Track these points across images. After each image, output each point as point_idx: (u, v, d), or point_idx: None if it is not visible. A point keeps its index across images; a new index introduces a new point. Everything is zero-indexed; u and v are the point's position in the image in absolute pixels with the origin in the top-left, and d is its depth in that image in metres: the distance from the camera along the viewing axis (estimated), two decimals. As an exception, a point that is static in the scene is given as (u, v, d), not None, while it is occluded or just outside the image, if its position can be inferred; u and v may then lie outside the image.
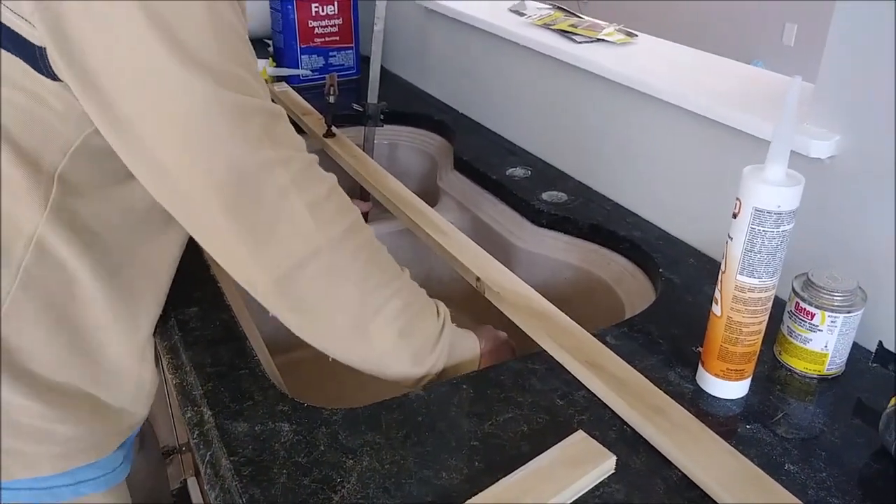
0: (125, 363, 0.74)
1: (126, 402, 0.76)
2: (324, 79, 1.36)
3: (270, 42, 1.76)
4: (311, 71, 1.70)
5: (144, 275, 0.74)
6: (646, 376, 0.73)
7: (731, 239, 0.67)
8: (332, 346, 0.71)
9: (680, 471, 0.63)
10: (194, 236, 0.65)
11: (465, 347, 0.79)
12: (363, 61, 1.70)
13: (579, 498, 0.60)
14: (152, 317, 0.78)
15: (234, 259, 0.63)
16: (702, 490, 0.61)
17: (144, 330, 0.76)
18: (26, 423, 0.67)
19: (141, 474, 1.04)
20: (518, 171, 1.24)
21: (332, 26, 1.69)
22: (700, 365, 0.74)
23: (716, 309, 0.71)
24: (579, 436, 0.65)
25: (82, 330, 0.70)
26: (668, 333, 0.82)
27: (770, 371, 0.77)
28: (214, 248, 0.64)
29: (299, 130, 1.43)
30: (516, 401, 0.71)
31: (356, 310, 0.68)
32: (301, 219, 0.62)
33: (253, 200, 0.59)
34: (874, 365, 0.74)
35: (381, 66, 1.37)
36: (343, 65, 1.74)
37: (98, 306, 0.70)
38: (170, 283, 0.79)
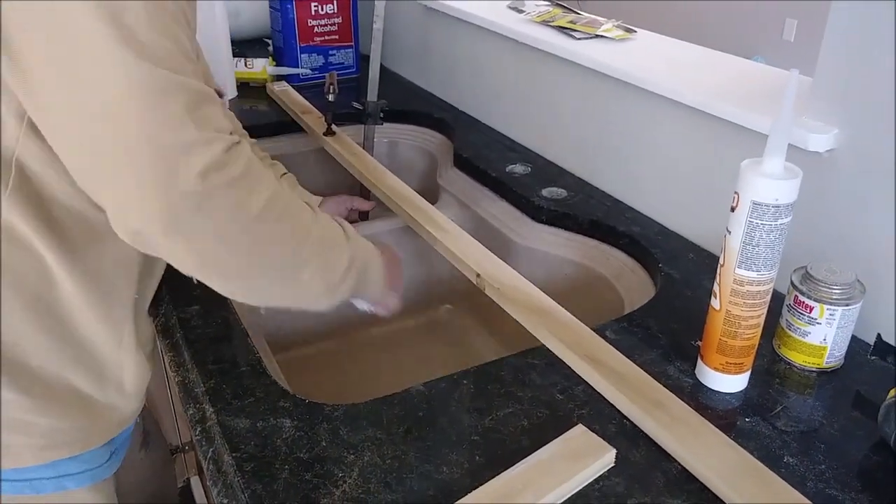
0: (103, 349, 0.73)
1: (111, 395, 0.76)
2: (323, 77, 1.36)
3: (270, 41, 1.76)
4: (311, 70, 1.70)
5: (113, 258, 0.72)
6: (645, 370, 0.73)
7: (730, 232, 0.68)
8: (265, 299, 0.71)
9: (679, 464, 0.63)
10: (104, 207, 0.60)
11: (369, 255, 0.78)
12: (363, 60, 1.71)
13: (580, 491, 0.61)
14: (125, 300, 0.76)
15: (156, 233, 0.58)
16: (701, 483, 0.61)
17: (117, 312, 0.74)
18: (7, 415, 0.67)
19: (144, 474, 1.04)
20: (518, 168, 1.24)
21: (331, 25, 1.70)
22: (699, 359, 0.74)
23: (714, 303, 0.71)
24: (579, 430, 0.65)
25: (59, 317, 0.69)
26: (668, 328, 0.82)
27: (769, 364, 0.77)
28: (138, 223, 0.58)
29: (299, 129, 1.45)
30: (516, 395, 0.71)
31: (280, 272, 0.66)
32: (223, 198, 0.58)
33: (175, 183, 0.56)
34: (873, 358, 0.74)
35: (381, 65, 1.37)
36: (343, 63, 1.75)
37: (69, 290, 0.69)
38: (146, 265, 0.77)
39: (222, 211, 0.58)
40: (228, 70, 1.57)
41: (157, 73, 0.54)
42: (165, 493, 1.12)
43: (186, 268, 0.61)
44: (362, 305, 0.84)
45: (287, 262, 0.66)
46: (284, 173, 1.11)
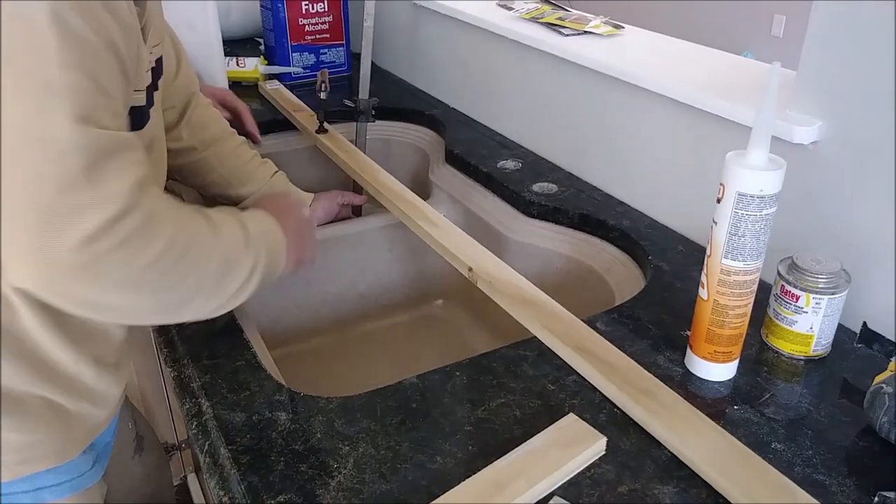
0: (66, 368, 0.72)
1: (83, 405, 0.74)
2: (315, 76, 1.37)
3: (261, 40, 1.77)
4: (303, 68, 1.71)
5: None
6: (635, 361, 0.74)
7: (716, 223, 0.69)
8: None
9: (669, 451, 0.64)
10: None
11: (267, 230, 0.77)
12: (354, 58, 1.71)
13: (571, 479, 0.62)
14: (80, 322, 0.72)
15: (40, 294, 0.57)
16: (690, 469, 0.63)
17: (74, 333, 0.72)
18: None
19: (138, 479, 1.03)
20: (509, 164, 1.25)
21: (322, 24, 1.70)
22: (688, 348, 0.75)
23: (702, 293, 0.72)
24: (571, 418, 0.66)
25: (19, 339, 0.68)
26: (658, 319, 0.83)
27: (757, 353, 0.78)
28: (20, 282, 0.56)
29: (291, 128, 1.46)
30: (508, 386, 0.72)
31: (181, 305, 0.65)
32: (104, 262, 0.56)
33: (57, 247, 0.53)
34: (859, 345, 0.75)
35: (372, 63, 1.38)
36: (334, 62, 1.75)
37: (27, 315, 0.67)
38: None
39: (105, 274, 0.56)
40: (220, 69, 1.58)
41: (61, 127, 0.52)
42: (161, 496, 1.12)
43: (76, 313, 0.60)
44: None
45: (186, 297, 0.65)
46: (276, 171, 1.12)
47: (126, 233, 0.55)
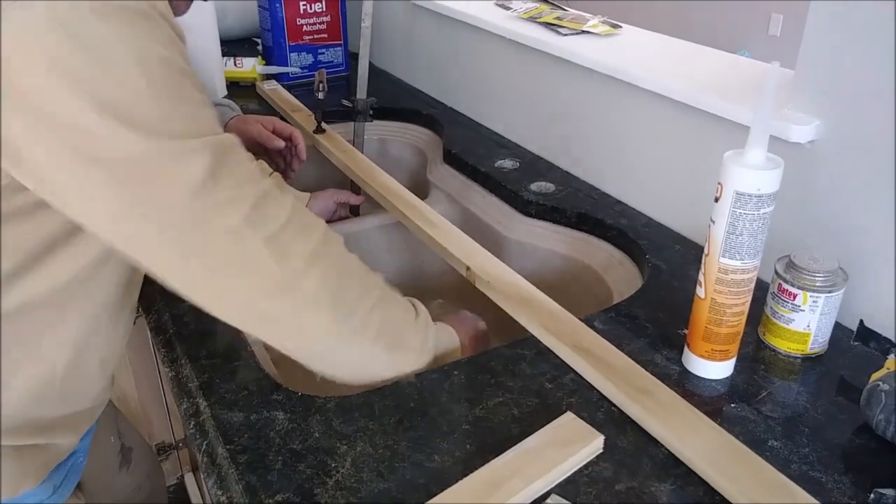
0: (22, 407, 0.68)
1: (39, 438, 0.71)
2: (313, 76, 1.37)
3: (259, 40, 1.77)
4: (301, 68, 1.71)
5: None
6: (633, 359, 0.74)
7: (714, 222, 0.69)
8: (319, 366, 0.67)
9: (666, 448, 0.65)
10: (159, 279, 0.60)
11: (445, 343, 0.78)
12: (352, 58, 1.71)
13: (569, 477, 0.62)
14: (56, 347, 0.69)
15: (201, 299, 0.60)
16: (687, 466, 0.63)
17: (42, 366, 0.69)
18: None
19: (125, 492, 1.02)
20: (506, 163, 1.25)
21: (320, 24, 1.70)
22: (686, 347, 0.75)
23: (700, 291, 0.72)
24: (568, 417, 0.66)
25: None
26: (655, 317, 0.83)
27: (754, 351, 0.79)
28: (183, 290, 0.59)
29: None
30: (506, 385, 0.73)
31: (334, 336, 0.64)
32: (259, 259, 0.57)
33: (207, 248, 0.56)
34: (856, 343, 0.75)
35: (370, 63, 1.38)
36: (332, 62, 1.75)
37: None
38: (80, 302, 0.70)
39: (257, 271, 0.58)
40: (218, 70, 1.58)
41: (168, 147, 0.53)
42: (154, 500, 1.10)
43: (225, 319, 0.61)
44: None
45: (338, 330, 0.64)
46: (271, 172, 1.12)
47: (269, 229, 0.57)
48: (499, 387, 0.72)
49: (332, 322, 0.63)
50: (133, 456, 1.03)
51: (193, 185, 0.53)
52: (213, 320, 0.79)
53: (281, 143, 1.16)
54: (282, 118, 1.47)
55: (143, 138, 0.51)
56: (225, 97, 1.60)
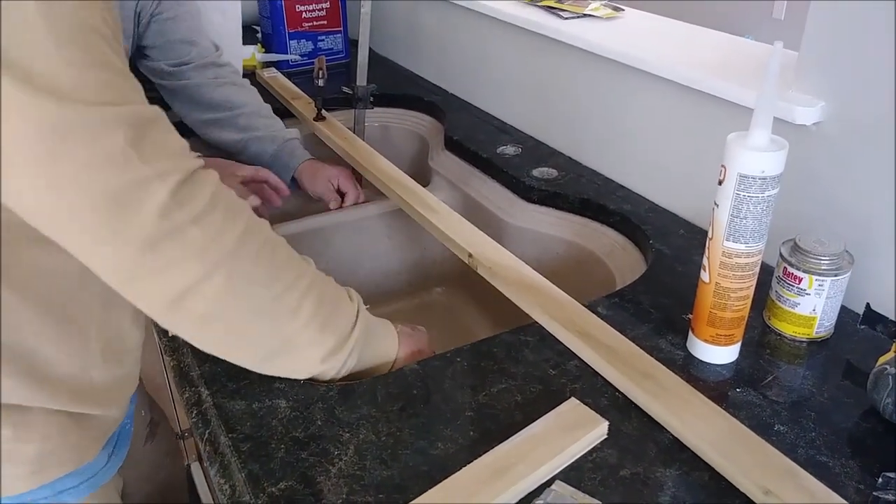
0: (70, 374, 0.69)
1: (97, 407, 0.72)
2: (313, 63, 1.36)
3: (259, 28, 1.76)
4: (300, 56, 1.70)
5: (56, 281, 0.66)
6: (637, 345, 0.74)
7: (717, 206, 0.68)
8: (246, 357, 0.66)
9: (671, 433, 0.64)
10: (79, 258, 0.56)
11: (381, 345, 0.75)
12: (352, 45, 1.70)
13: (573, 463, 0.61)
14: (83, 324, 0.69)
15: (123, 281, 0.56)
16: (692, 451, 0.62)
17: (76, 340, 0.69)
18: None
19: (150, 466, 1.03)
20: (508, 149, 1.24)
21: (319, 10, 1.69)
22: (690, 331, 0.75)
23: (704, 276, 0.72)
24: (572, 403, 0.66)
25: (18, 346, 0.65)
26: (659, 302, 0.83)
27: (760, 336, 0.78)
28: (102, 272, 0.55)
29: (289, 115, 1.45)
30: (510, 372, 0.72)
31: (269, 317, 0.62)
32: (189, 236, 0.55)
33: (133, 225, 0.52)
34: (862, 327, 0.75)
35: (370, 49, 1.37)
36: (332, 49, 1.74)
37: (20, 318, 0.64)
38: (105, 292, 0.67)
39: (189, 250, 0.55)
40: (238, 54, 1.53)
41: (87, 112, 0.49)
42: (172, 480, 1.12)
43: (153, 313, 0.58)
44: None
45: (272, 308, 0.62)
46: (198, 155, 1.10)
47: (195, 208, 0.54)
48: (502, 373, 0.72)
49: (268, 299, 0.61)
50: (158, 431, 1.04)
51: (113, 157, 0.50)
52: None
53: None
54: (281, 106, 1.46)
55: (54, 104, 0.47)
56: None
